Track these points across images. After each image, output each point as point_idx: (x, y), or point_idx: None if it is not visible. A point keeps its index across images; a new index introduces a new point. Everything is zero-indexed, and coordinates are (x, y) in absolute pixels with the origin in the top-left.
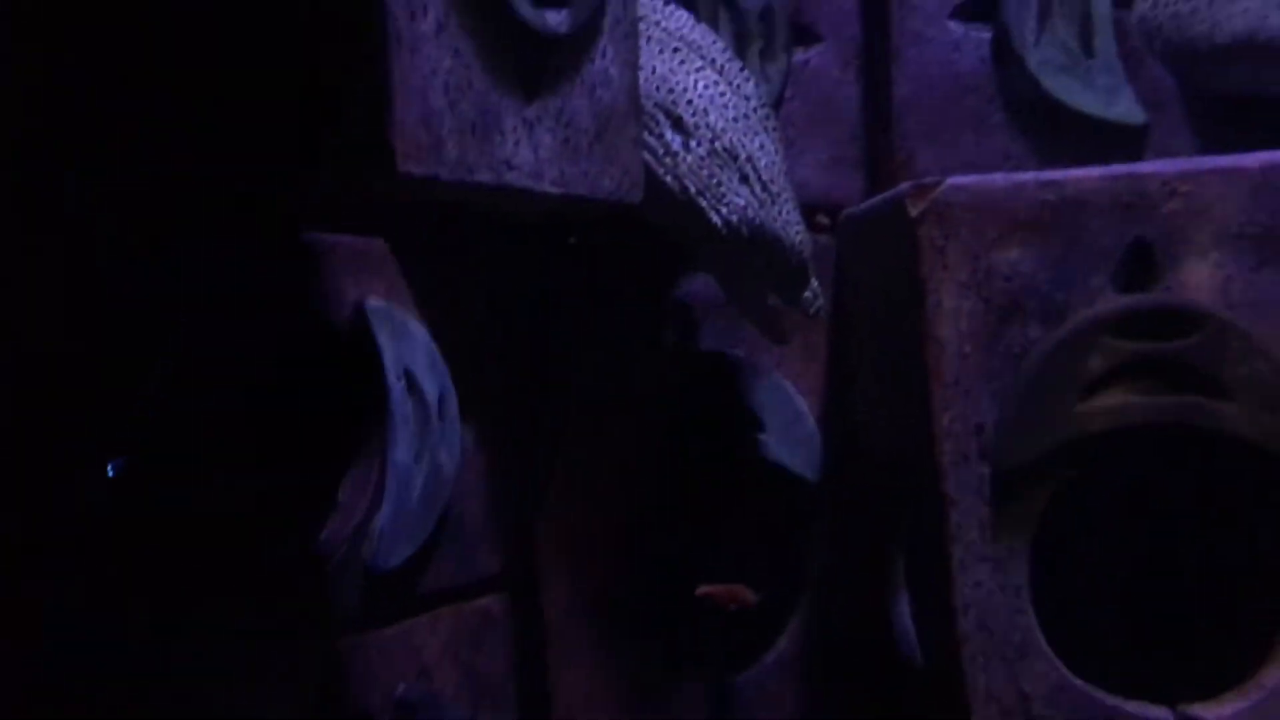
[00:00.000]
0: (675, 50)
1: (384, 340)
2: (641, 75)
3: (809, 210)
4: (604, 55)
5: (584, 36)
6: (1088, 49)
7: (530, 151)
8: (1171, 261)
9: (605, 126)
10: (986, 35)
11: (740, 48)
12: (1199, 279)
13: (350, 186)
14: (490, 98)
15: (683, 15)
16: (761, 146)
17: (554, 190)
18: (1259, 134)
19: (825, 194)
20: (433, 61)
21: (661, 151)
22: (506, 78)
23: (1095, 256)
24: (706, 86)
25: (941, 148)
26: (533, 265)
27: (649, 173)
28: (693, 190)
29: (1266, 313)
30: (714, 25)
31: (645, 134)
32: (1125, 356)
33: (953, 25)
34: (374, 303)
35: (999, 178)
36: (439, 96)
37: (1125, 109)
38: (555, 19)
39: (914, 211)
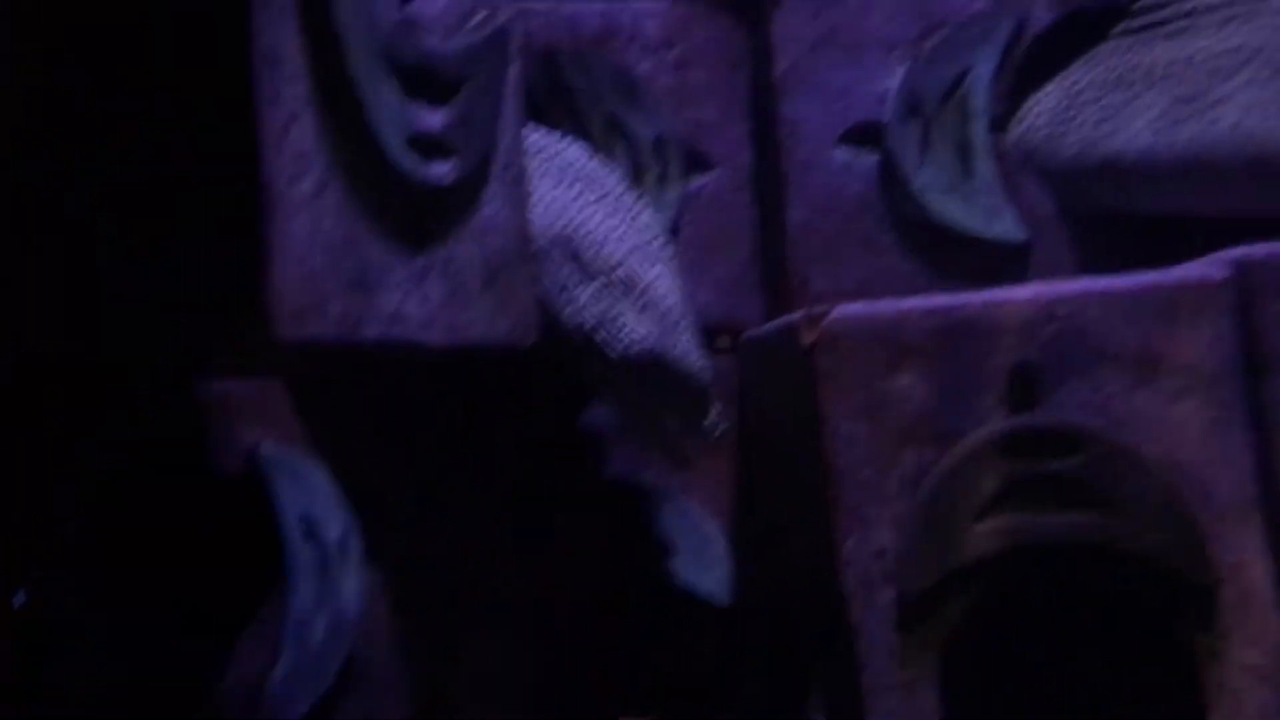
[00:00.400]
0: (571, 183)
1: (280, 486)
2: (537, 209)
3: (711, 333)
4: (492, 201)
5: (471, 185)
6: (968, 171)
7: (418, 303)
8: (1055, 383)
9: (496, 272)
10: (873, 160)
11: (636, 177)
12: (1082, 399)
13: (235, 347)
14: (375, 253)
15: (578, 148)
16: (659, 275)
17: (444, 340)
18: (1134, 252)
19: (727, 316)
20: (314, 222)
21: (559, 287)
22: (392, 232)
23: (983, 380)
24: (603, 218)
25: (835, 269)
26: (436, 400)
27: (547, 308)
28: (591, 324)
29: (1146, 431)
30: (609, 156)
31: (542, 269)
32: (1015, 477)
33: (840, 151)
34: (269, 448)
35: (887, 305)
36: (320, 256)
37: (1006, 228)
38: (440, 171)
39: (807, 340)
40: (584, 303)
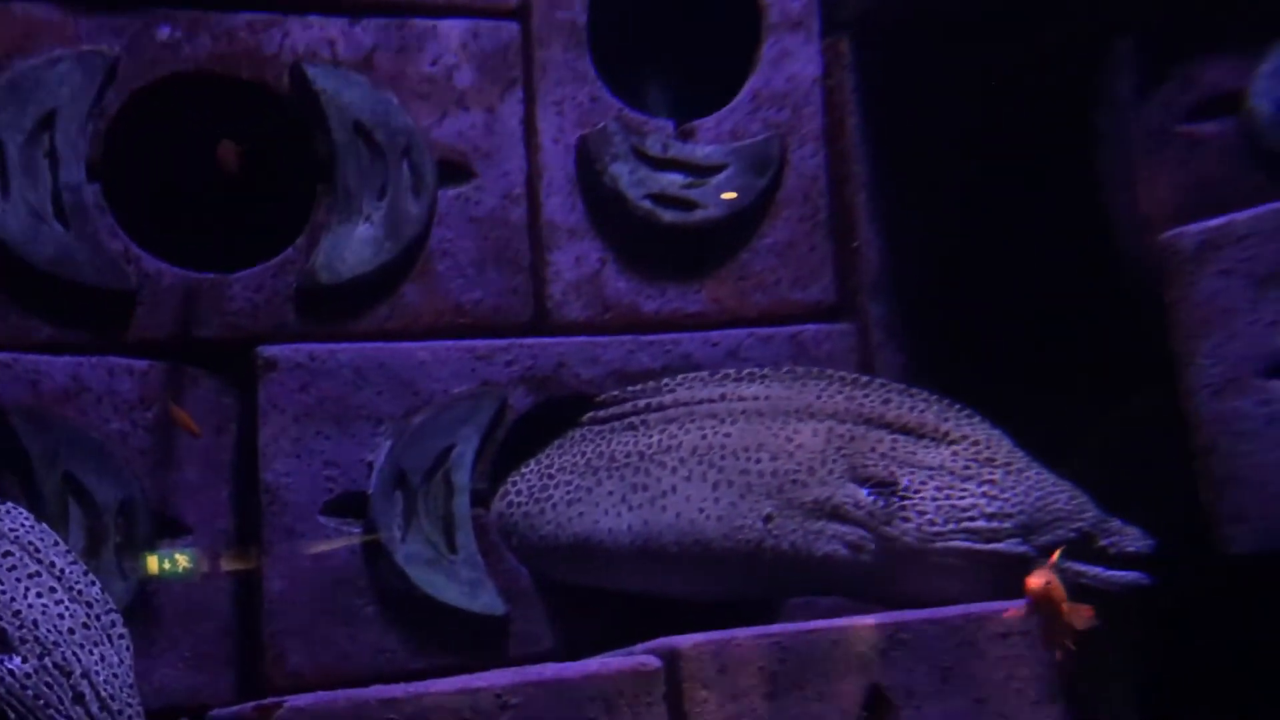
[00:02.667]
0: (5, 554)
1: None
2: None
3: (172, 712)
4: None
5: None
6: (451, 545)
7: None
8: None
9: None
10: (357, 531)
11: (94, 546)
12: None
13: None
14: None
15: (21, 514)
16: (102, 658)
17: None
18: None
19: (192, 694)
20: None
21: None
22: None
23: None
24: (39, 595)
25: (314, 644)
26: None
27: None
28: (15, 714)
29: None
30: (64, 521)
31: None
32: None
33: (324, 520)
34: None
35: (341, 696)
36: None
37: (487, 601)
38: None
39: None
40: (9, 688)
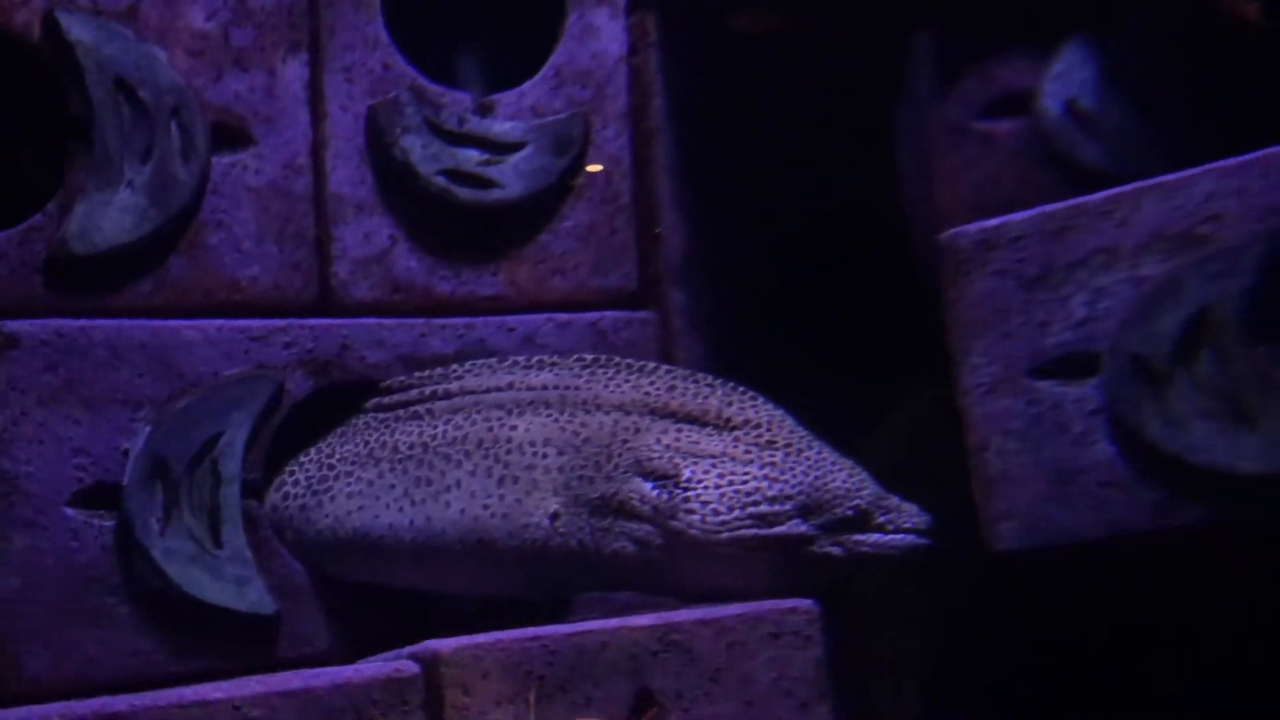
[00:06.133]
0: None
1: None
2: None
3: None
4: None
5: None
6: (216, 540)
7: None
8: None
9: None
10: (109, 524)
11: None
12: None
13: None
14: None
15: None
16: None
17: None
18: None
19: None
20: None
21: None
22: None
23: None
24: None
25: (57, 647)
26: None
27: None
28: None
29: None
30: None
31: None
32: None
33: (71, 512)
34: None
35: (54, 711)
36: None
37: (256, 599)
38: None
39: None
40: None
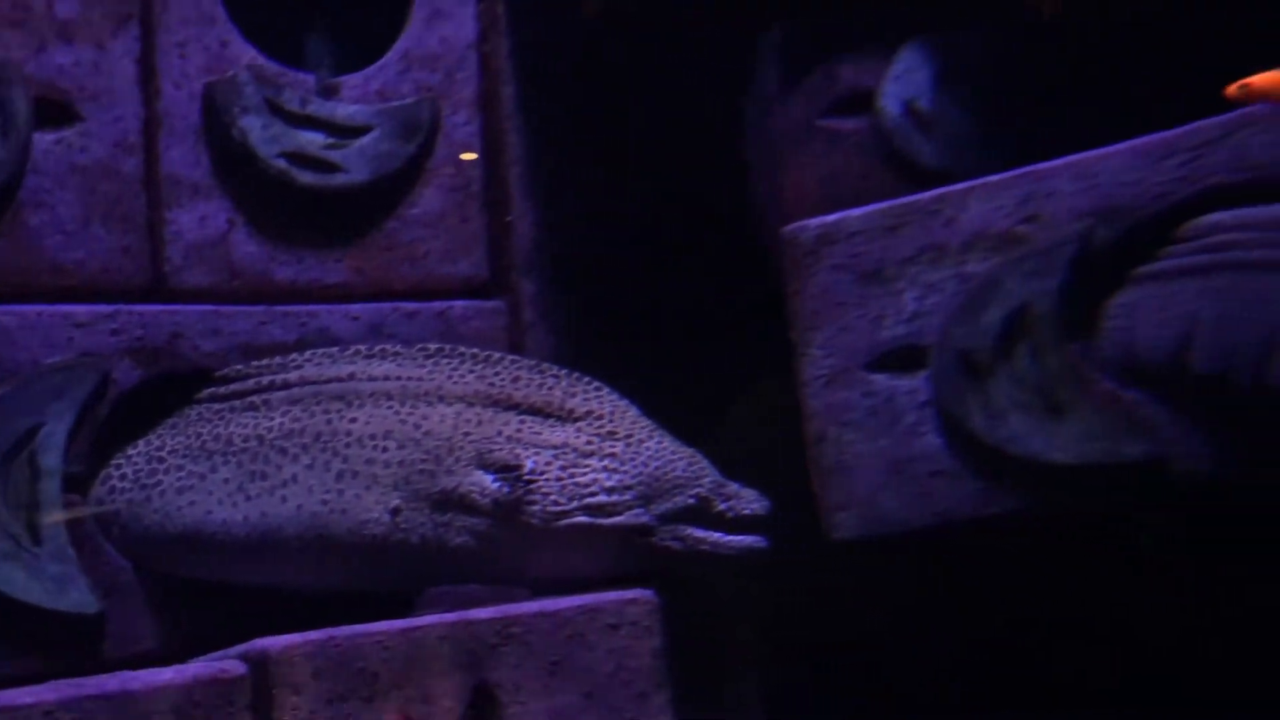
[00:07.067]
0: None
1: None
2: None
3: None
4: None
5: None
6: (34, 536)
7: None
8: None
9: None
10: None
11: None
12: None
13: None
14: None
15: None
16: None
17: None
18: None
19: None
20: None
21: None
22: None
23: None
24: None
25: None
26: None
27: None
28: None
29: None
30: None
31: None
32: None
33: None
34: None
35: None
36: None
37: (77, 598)
38: None
39: None
40: None
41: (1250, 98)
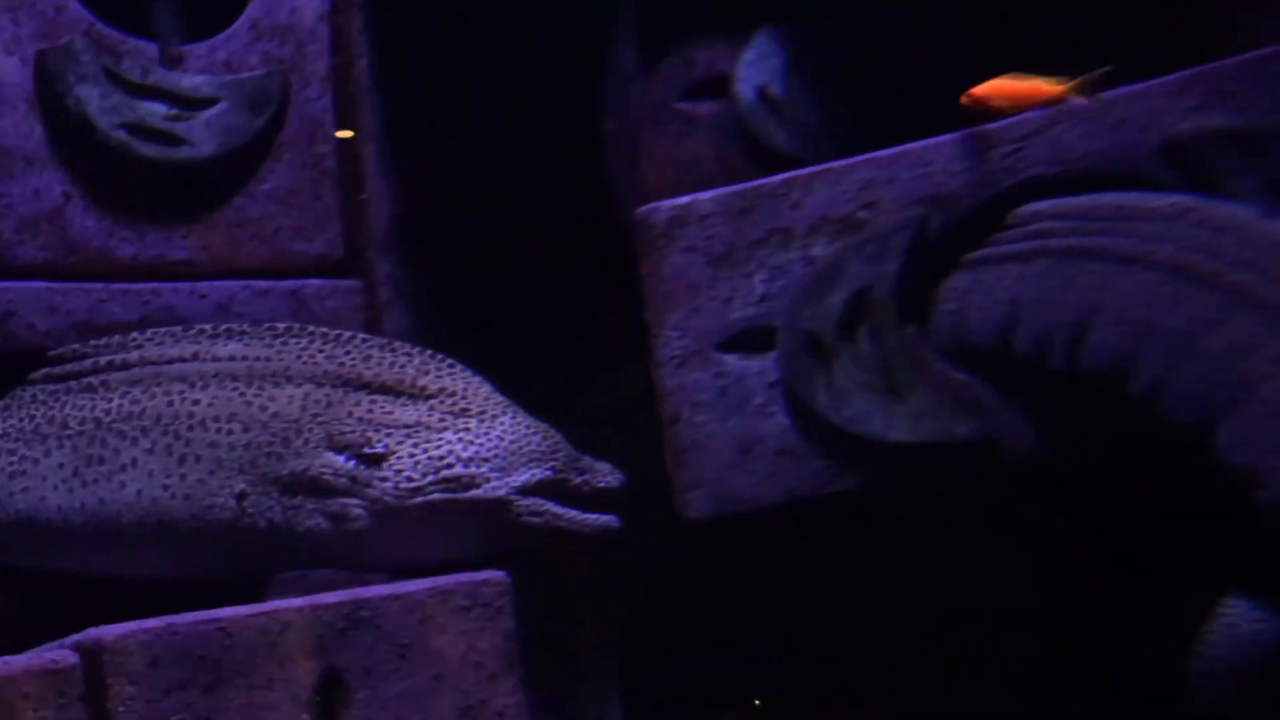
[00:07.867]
0: None
1: None
2: None
3: None
4: None
5: None
6: None
7: None
8: None
9: None
10: None
11: None
12: None
13: None
14: None
15: None
16: None
17: None
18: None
19: None
20: None
21: None
22: None
23: None
24: None
25: None
26: None
27: None
28: None
29: None
30: None
31: None
32: None
33: None
34: None
35: None
36: None
37: None
38: None
39: None
40: None
41: (975, 106)
